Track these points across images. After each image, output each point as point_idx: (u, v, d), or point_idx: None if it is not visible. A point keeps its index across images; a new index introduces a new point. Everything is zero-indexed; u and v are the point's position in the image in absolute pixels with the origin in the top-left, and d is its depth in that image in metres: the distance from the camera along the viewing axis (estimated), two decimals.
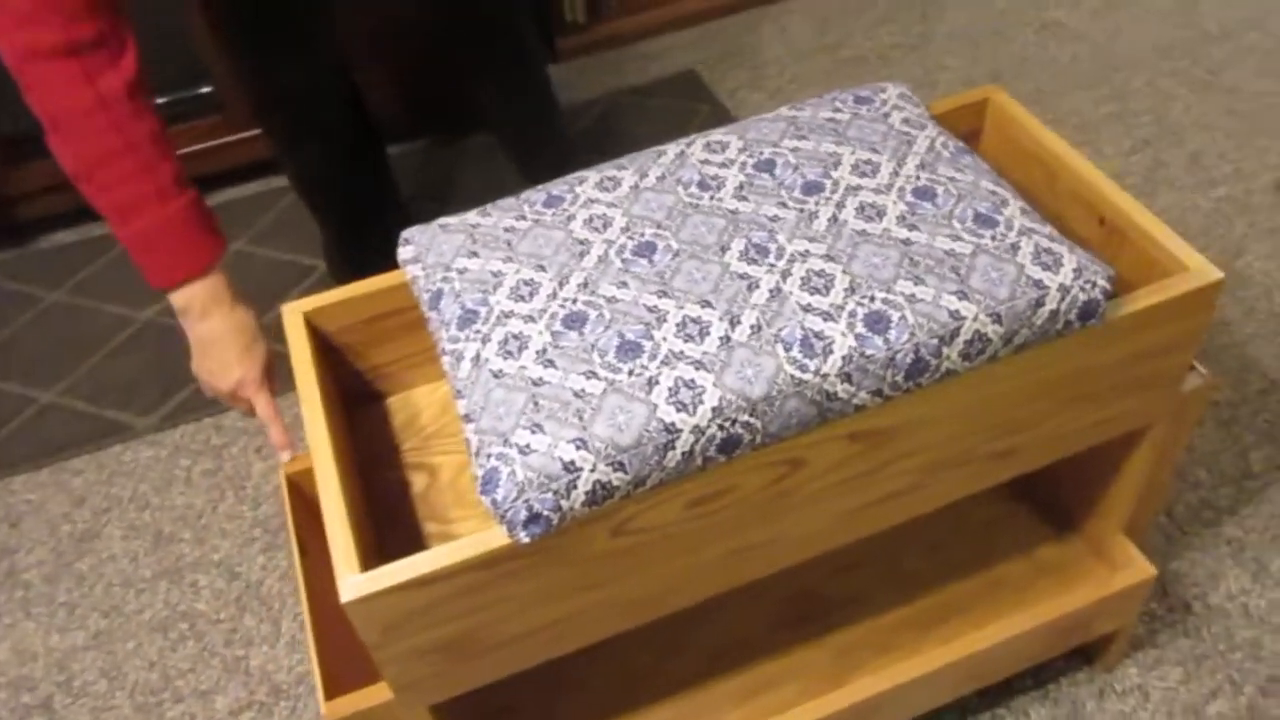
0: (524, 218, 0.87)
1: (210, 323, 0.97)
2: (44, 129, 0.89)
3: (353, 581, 0.71)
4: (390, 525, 0.92)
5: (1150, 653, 1.19)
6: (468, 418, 0.74)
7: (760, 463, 0.76)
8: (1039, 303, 0.76)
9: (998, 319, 0.75)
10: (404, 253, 0.89)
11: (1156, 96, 1.94)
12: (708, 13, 2.31)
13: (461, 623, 0.76)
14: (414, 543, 0.91)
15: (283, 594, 1.37)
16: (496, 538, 0.72)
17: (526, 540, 0.70)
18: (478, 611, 0.76)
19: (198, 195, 0.96)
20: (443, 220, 0.90)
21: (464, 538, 0.72)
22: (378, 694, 0.84)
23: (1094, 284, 0.77)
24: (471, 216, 0.89)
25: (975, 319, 0.75)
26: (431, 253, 0.86)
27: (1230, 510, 1.31)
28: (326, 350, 0.96)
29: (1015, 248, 0.78)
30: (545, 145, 1.66)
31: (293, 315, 0.92)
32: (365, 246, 1.58)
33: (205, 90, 1.90)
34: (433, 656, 0.77)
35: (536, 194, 0.89)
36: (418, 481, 0.95)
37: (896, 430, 0.79)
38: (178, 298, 0.96)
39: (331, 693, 0.85)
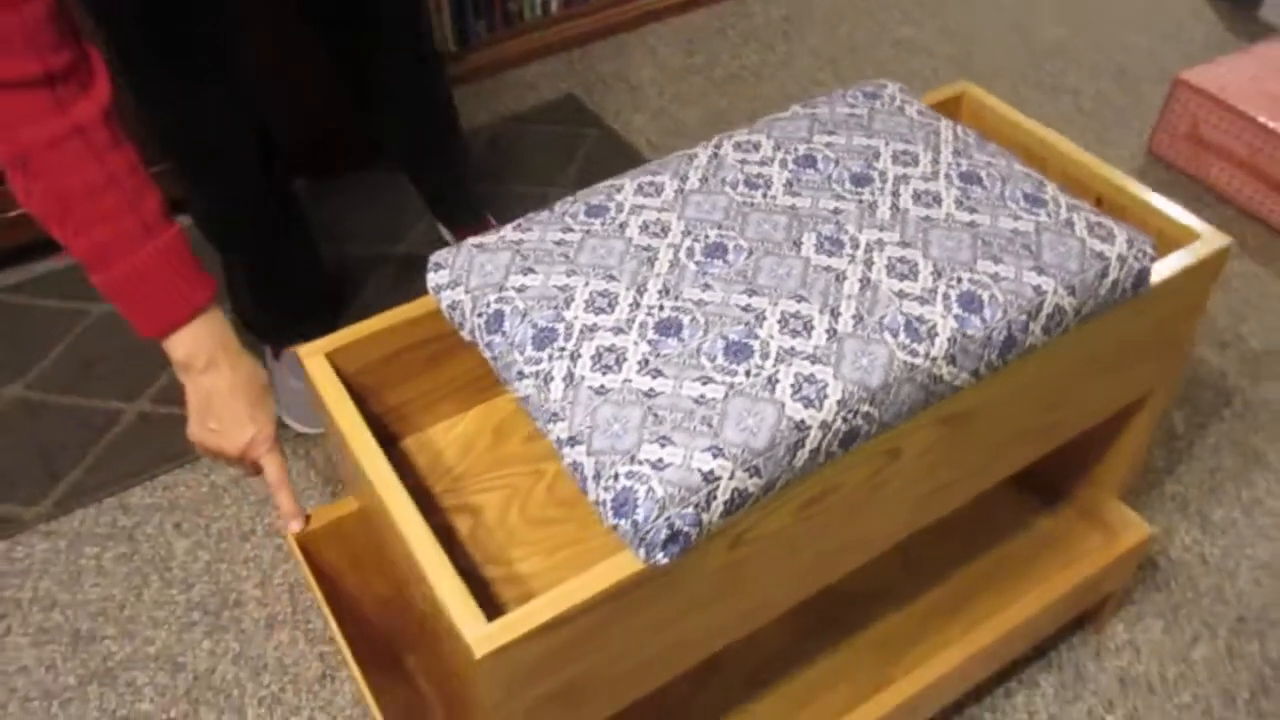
0: (571, 230, 0.82)
1: (217, 374, 0.85)
2: (4, 170, 0.77)
3: (483, 633, 0.64)
4: None
5: (1131, 609, 1.26)
6: (574, 440, 0.69)
7: (865, 455, 0.74)
8: (1104, 273, 0.79)
9: (1072, 291, 0.77)
10: (436, 278, 0.83)
11: (1016, 100, 2.09)
12: (576, 39, 2.30)
13: (579, 665, 0.70)
14: (477, 591, 0.84)
15: (240, 679, 1.23)
16: (625, 564, 0.67)
17: (664, 561, 0.66)
18: (597, 650, 0.70)
19: (182, 228, 0.86)
20: (474, 240, 0.84)
21: (593, 568, 0.66)
22: None
23: (1145, 253, 0.81)
24: (509, 233, 0.83)
25: (1055, 292, 0.76)
26: (474, 275, 0.80)
27: (1167, 470, 1.41)
28: None
29: (1070, 224, 0.81)
30: (444, 157, 1.61)
31: (314, 358, 0.83)
32: (277, 278, 1.47)
33: None
34: (550, 707, 0.71)
35: (573, 205, 0.85)
36: (462, 525, 0.88)
37: (978, 411, 0.80)
38: (178, 347, 0.85)
39: None
